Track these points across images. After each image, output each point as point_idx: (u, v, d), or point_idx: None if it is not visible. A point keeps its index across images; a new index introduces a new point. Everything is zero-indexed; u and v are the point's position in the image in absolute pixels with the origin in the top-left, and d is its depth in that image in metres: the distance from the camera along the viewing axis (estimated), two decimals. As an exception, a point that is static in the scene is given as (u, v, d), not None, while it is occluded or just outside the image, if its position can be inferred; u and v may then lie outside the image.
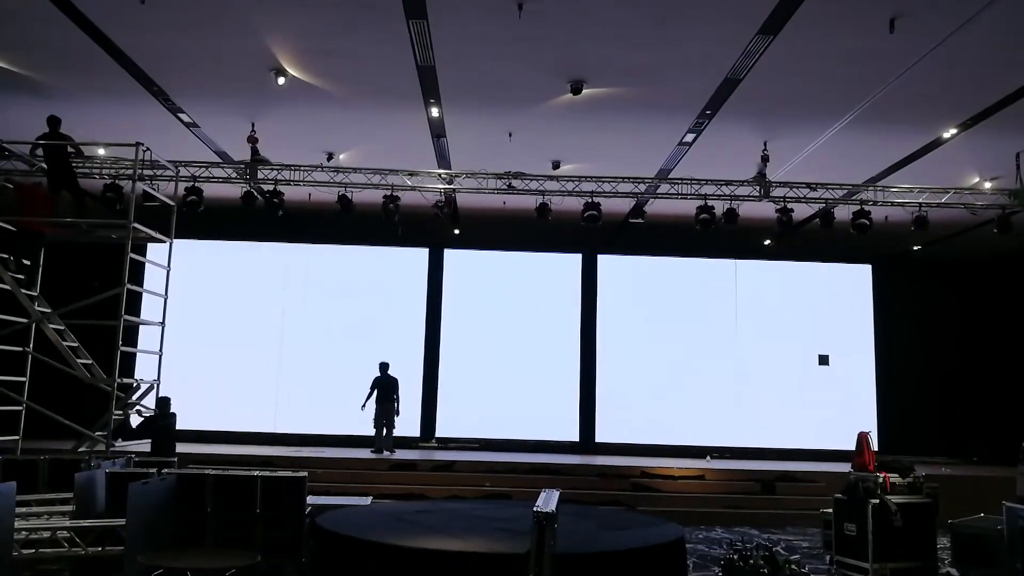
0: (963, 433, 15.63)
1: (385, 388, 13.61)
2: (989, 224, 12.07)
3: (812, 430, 15.16)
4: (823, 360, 16.06)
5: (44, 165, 10.13)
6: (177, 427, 10.12)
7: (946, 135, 10.42)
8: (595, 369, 15.93)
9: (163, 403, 9.93)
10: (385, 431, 13.56)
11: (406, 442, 15.04)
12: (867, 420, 15.37)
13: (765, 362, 15.88)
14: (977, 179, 11.98)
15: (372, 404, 13.60)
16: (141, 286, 10.90)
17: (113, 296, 9.66)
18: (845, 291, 16.36)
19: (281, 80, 9.25)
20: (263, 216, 12.24)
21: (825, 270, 16.34)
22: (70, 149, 9.84)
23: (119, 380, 9.72)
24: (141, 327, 10.21)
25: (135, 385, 10.46)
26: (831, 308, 16.17)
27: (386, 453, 13.35)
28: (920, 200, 11.85)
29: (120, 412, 9.92)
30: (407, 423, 15.24)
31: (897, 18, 7.59)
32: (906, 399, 15.94)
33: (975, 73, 8.73)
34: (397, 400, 13.68)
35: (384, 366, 13.72)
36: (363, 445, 14.68)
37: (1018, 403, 15.15)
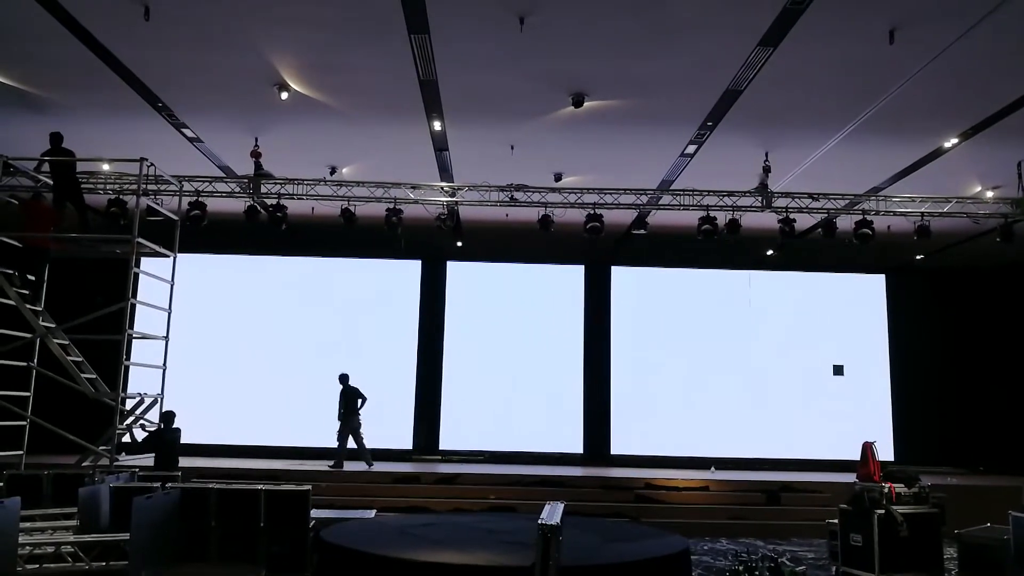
0: (976, 443, 15.57)
1: (351, 400, 13.50)
2: (994, 233, 12.05)
3: (824, 440, 15.00)
4: (838, 370, 16.03)
5: (50, 181, 10.20)
6: (181, 441, 10.14)
7: (947, 144, 10.44)
8: (609, 381, 15.94)
9: (169, 417, 9.95)
10: (348, 443, 13.34)
11: (400, 455, 15.10)
12: (882, 430, 15.44)
13: (777, 373, 15.84)
14: (979, 188, 11.99)
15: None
16: (133, 300, 10.88)
17: (113, 310, 9.70)
18: (859, 302, 16.36)
19: (284, 95, 9.30)
20: (266, 230, 12.28)
21: (838, 281, 16.33)
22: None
23: (123, 395, 9.74)
24: (138, 341, 10.23)
25: (139, 399, 10.47)
26: (845, 319, 16.17)
27: (333, 464, 13.16)
28: (922, 210, 11.85)
29: (123, 427, 9.94)
30: (401, 436, 15.31)
31: (897, 29, 7.62)
32: (921, 409, 15.89)
33: (975, 83, 8.75)
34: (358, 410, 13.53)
35: (345, 377, 13.62)
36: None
37: (1020, 412, 15.12)
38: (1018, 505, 8.32)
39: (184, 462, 10.31)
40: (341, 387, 13.61)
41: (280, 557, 6.46)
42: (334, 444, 13.44)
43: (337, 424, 13.50)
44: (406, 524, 7.89)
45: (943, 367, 16.20)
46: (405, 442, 15.50)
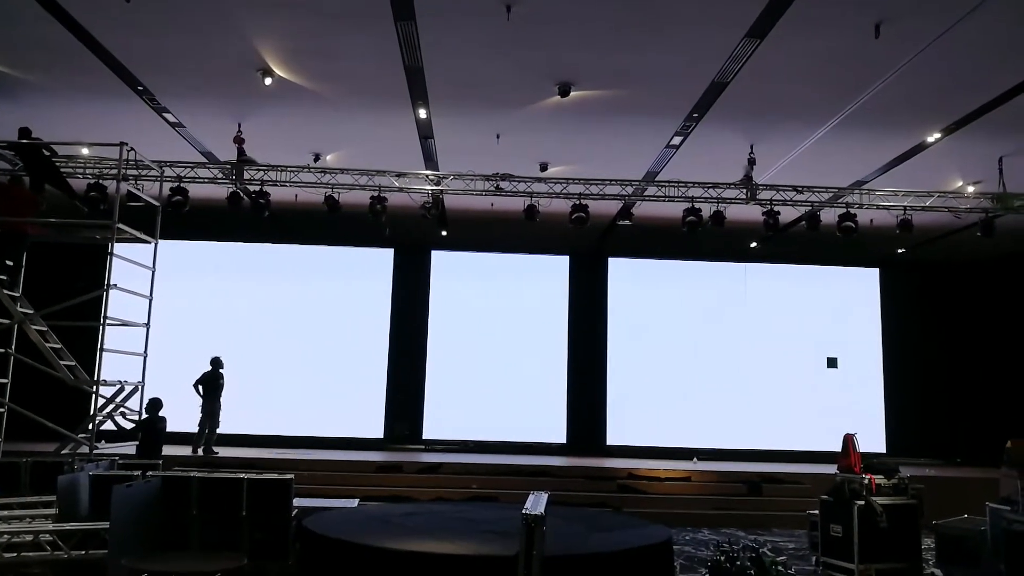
0: (964, 436, 15.76)
1: (216, 385, 13.24)
2: (976, 227, 12.14)
3: (810, 432, 15.03)
4: (832, 363, 16.13)
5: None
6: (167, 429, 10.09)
7: (930, 139, 10.51)
8: (605, 370, 16.03)
9: (156, 404, 9.87)
10: (209, 429, 13.08)
11: (371, 444, 15.14)
12: (873, 422, 15.64)
13: (767, 365, 15.94)
14: (960, 183, 12.09)
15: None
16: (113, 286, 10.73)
17: (93, 296, 9.59)
18: (853, 295, 16.50)
19: (268, 80, 9.20)
20: (249, 217, 12.18)
21: (833, 274, 16.45)
22: (46, 152, 9.80)
23: (104, 382, 9.64)
24: (119, 328, 10.11)
25: (119, 387, 10.37)
26: (838, 312, 16.29)
27: (200, 451, 12.92)
28: (905, 203, 11.93)
29: (103, 415, 9.85)
30: (373, 424, 15.42)
31: (882, 23, 7.65)
32: (914, 402, 16.08)
33: (959, 78, 8.80)
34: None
35: (218, 362, 13.36)
36: (351, 447, 14.72)
37: (1001, 404, 15.32)
38: (995, 497, 8.42)
39: (167, 450, 10.24)
40: (211, 369, 13.25)
41: (262, 545, 6.43)
42: (320, 433, 13.36)
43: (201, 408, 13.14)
44: (389, 513, 7.87)
45: (936, 360, 16.38)
46: (375, 430, 15.57)
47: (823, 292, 16.35)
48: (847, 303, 16.40)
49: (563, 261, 16.48)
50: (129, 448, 9.77)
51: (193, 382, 13.13)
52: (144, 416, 9.93)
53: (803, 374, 16.00)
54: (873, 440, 15.25)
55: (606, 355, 16.11)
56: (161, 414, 9.91)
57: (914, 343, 16.38)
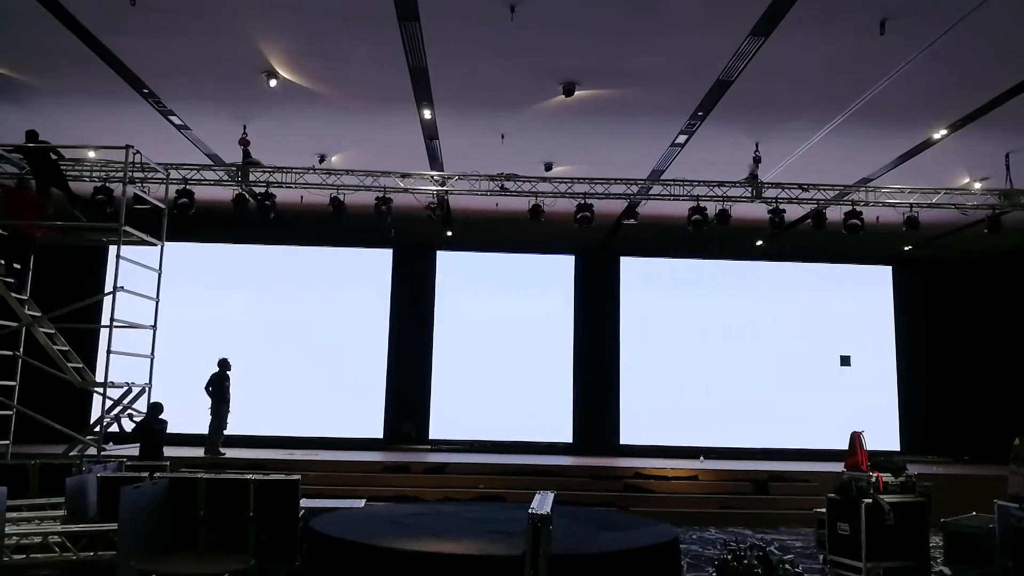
0: (977, 433, 15.69)
1: (222, 386, 13.30)
2: (982, 224, 12.08)
3: (818, 430, 14.98)
4: (845, 361, 16.07)
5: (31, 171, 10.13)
6: (169, 431, 10.11)
7: (936, 136, 10.47)
8: (615, 370, 16.04)
9: (156, 408, 9.90)
10: (215, 430, 13.12)
11: (371, 444, 15.18)
12: (886, 421, 15.64)
13: (777, 363, 15.91)
14: (967, 179, 12.04)
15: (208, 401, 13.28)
16: (112, 288, 10.73)
17: (99, 299, 9.62)
18: (865, 293, 16.47)
19: (273, 82, 9.22)
20: (255, 219, 12.20)
21: (845, 272, 16.41)
22: (53, 156, 9.84)
23: (111, 384, 9.67)
24: (126, 330, 10.12)
25: (127, 389, 10.40)
26: (850, 310, 16.25)
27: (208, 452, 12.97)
28: (911, 201, 11.88)
29: (110, 417, 9.88)
30: (373, 425, 15.39)
31: (888, 20, 7.62)
32: (928, 400, 16.04)
33: (965, 74, 8.77)
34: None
35: (225, 363, 13.44)
36: (357, 448, 14.75)
37: (1010, 401, 15.25)
38: (1003, 494, 8.40)
39: (171, 452, 10.27)
40: (219, 370, 13.35)
41: (269, 546, 6.44)
42: (327, 434, 13.40)
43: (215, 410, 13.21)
44: (395, 513, 7.88)
45: (948, 358, 16.32)
46: (375, 431, 15.60)
47: (836, 290, 16.31)
48: (860, 301, 16.35)
49: (568, 261, 16.48)
50: (132, 450, 9.81)
51: (204, 385, 13.21)
52: (141, 419, 9.97)
53: (814, 372, 15.96)
54: (887, 438, 15.23)
55: (618, 354, 16.10)
56: (162, 417, 9.94)
57: (927, 340, 16.31)
